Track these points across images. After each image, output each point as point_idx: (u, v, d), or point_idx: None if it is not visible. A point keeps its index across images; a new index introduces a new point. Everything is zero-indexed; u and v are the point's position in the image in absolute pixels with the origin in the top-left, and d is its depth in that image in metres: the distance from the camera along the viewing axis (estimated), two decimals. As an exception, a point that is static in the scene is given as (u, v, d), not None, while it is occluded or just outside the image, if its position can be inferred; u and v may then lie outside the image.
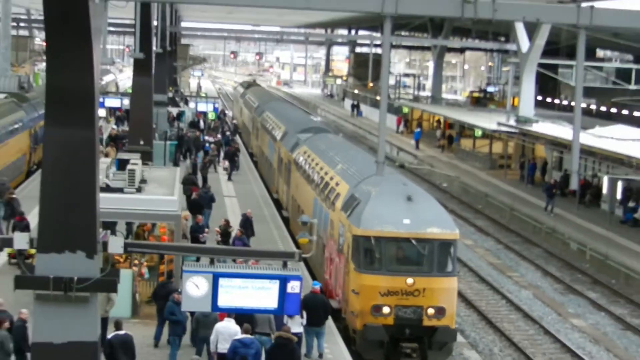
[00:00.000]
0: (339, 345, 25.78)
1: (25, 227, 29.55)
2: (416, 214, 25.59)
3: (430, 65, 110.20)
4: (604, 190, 51.38)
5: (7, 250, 25.01)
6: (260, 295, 17.92)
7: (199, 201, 38.59)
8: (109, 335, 20.47)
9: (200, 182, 45.88)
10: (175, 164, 49.20)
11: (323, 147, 38.69)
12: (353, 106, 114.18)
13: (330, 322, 26.57)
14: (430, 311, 24.64)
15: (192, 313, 23.05)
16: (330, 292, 28.52)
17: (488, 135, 67.88)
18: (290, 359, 21.23)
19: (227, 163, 53.93)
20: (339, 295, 27.24)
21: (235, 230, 32.63)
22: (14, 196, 36.27)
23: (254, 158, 62.36)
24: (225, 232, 32.66)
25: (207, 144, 57.90)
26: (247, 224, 35.03)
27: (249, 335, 21.32)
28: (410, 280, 24.60)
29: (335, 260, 28.17)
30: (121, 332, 20.61)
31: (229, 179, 52.22)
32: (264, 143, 56.41)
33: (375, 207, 25.79)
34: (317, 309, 24.44)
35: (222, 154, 57.47)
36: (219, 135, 64.98)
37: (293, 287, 17.87)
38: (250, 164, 59.44)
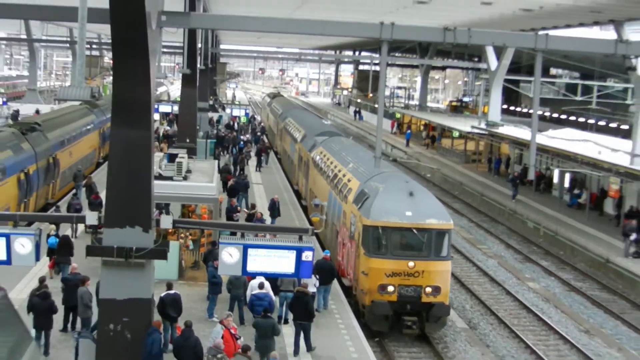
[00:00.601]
0: (343, 304, 25.83)
1: (99, 204, 29.77)
2: (417, 207, 24.48)
3: (418, 80, 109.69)
4: (555, 180, 51.20)
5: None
6: (280, 262, 17.99)
7: (236, 186, 38.62)
8: (162, 294, 20.55)
9: (237, 172, 46.02)
10: (216, 157, 49.10)
11: (336, 148, 37.05)
12: (355, 112, 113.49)
13: (336, 285, 26.61)
14: (428, 290, 23.79)
15: None
16: (342, 271, 27.32)
17: (463, 136, 67.62)
18: (305, 307, 21.48)
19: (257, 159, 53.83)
20: (350, 275, 26.07)
21: (258, 212, 32.49)
22: (93, 180, 36.99)
23: (278, 155, 61.23)
24: (250, 214, 32.65)
25: (241, 142, 57.80)
26: (274, 206, 35.01)
27: (262, 291, 21.70)
28: (411, 264, 23.71)
29: (347, 245, 26.87)
30: (172, 292, 20.69)
31: (257, 170, 52.14)
32: (287, 143, 55.11)
33: (382, 201, 24.65)
34: (326, 271, 24.67)
35: (252, 151, 57.35)
36: (248, 135, 64.85)
37: (307, 256, 17.95)
38: (275, 160, 59.13)
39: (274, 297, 22.64)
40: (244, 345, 18.44)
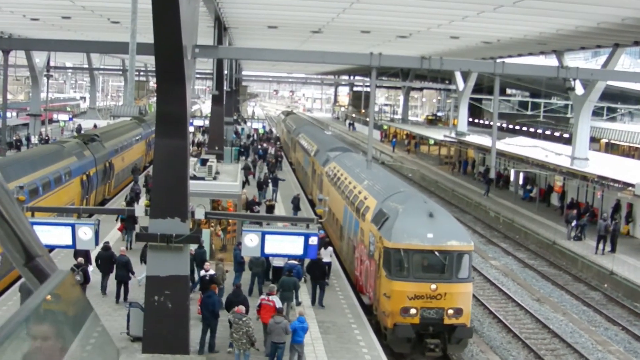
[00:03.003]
0: (341, 275, 25.78)
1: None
2: (437, 228, 20.18)
3: (401, 98, 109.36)
4: (511, 178, 51.13)
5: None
6: (291, 245, 17.88)
7: (272, 181, 39.79)
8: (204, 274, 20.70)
9: (271, 172, 45.62)
10: (253, 161, 48.76)
11: (349, 164, 32.33)
12: (350, 124, 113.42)
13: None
14: (450, 312, 19.53)
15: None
16: (360, 287, 23.45)
17: (438, 143, 67.58)
18: (322, 271, 22.29)
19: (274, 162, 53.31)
20: (370, 293, 21.84)
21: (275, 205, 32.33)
22: (150, 173, 37.36)
23: (292, 166, 57.69)
24: (269, 206, 32.51)
25: (260, 150, 57.06)
26: (297, 201, 35.15)
27: (294, 262, 22.03)
28: (433, 286, 19.49)
29: (365, 262, 22.73)
30: (212, 272, 20.81)
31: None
32: (300, 156, 51.51)
33: (403, 223, 20.41)
34: (325, 244, 24.58)
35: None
36: (265, 144, 64.27)
37: (312, 240, 17.85)
38: (289, 169, 57.10)
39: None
40: (279, 307, 18.29)
